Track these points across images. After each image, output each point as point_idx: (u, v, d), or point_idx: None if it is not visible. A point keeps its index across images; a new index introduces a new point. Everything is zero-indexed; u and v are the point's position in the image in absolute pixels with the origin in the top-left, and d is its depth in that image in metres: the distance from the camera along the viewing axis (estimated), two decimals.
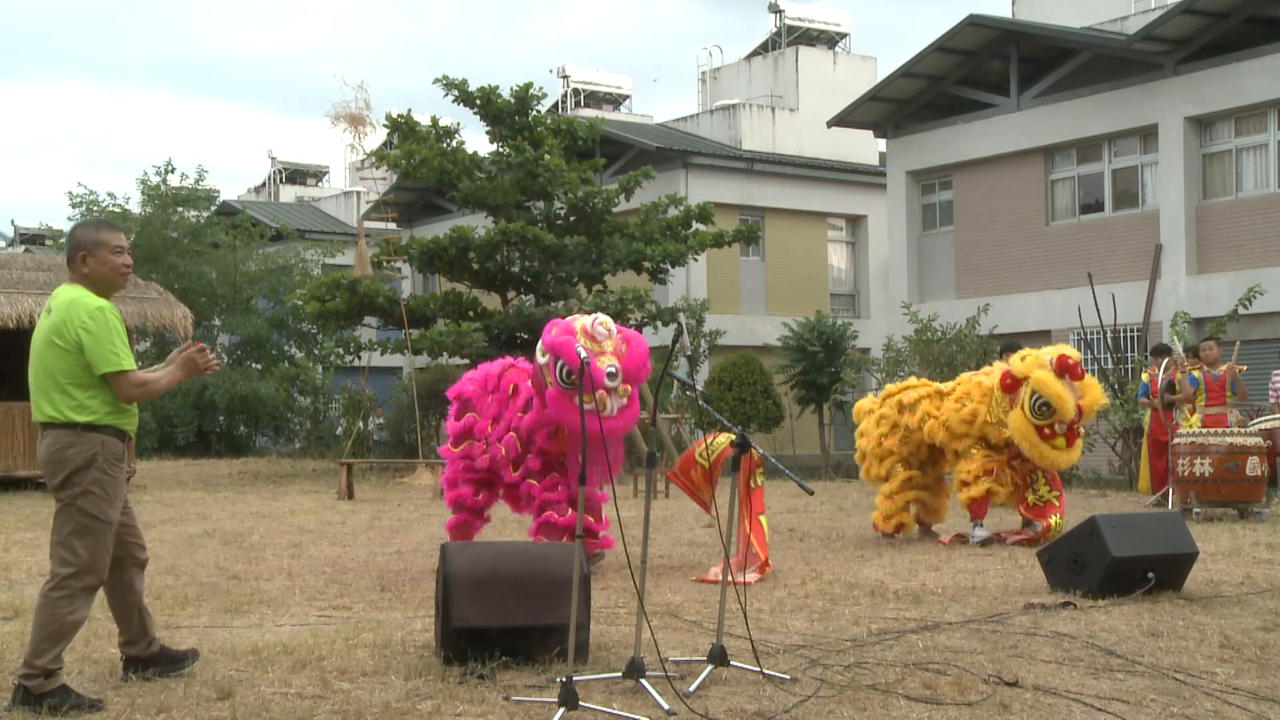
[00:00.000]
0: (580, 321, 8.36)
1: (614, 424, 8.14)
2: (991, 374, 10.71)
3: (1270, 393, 15.68)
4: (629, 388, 8.26)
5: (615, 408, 8.16)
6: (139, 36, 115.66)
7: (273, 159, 51.13)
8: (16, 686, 5.10)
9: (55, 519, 5.27)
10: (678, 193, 24.19)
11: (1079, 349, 21.53)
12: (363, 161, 28.17)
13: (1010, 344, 15.31)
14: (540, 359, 8.36)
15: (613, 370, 8.10)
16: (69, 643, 5.24)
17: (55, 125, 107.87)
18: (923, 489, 11.07)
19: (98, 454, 5.24)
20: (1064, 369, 10.12)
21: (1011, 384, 10.24)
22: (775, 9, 36.11)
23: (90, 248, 5.39)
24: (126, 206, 33.54)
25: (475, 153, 22.96)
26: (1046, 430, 10.07)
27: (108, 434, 5.28)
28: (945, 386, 11.10)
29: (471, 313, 21.94)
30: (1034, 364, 10.16)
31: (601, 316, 8.45)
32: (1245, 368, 14.78)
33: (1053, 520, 10.36)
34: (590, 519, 8.73)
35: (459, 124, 23.42)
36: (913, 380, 11.44)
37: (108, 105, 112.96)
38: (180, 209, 32.98)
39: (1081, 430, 10.53)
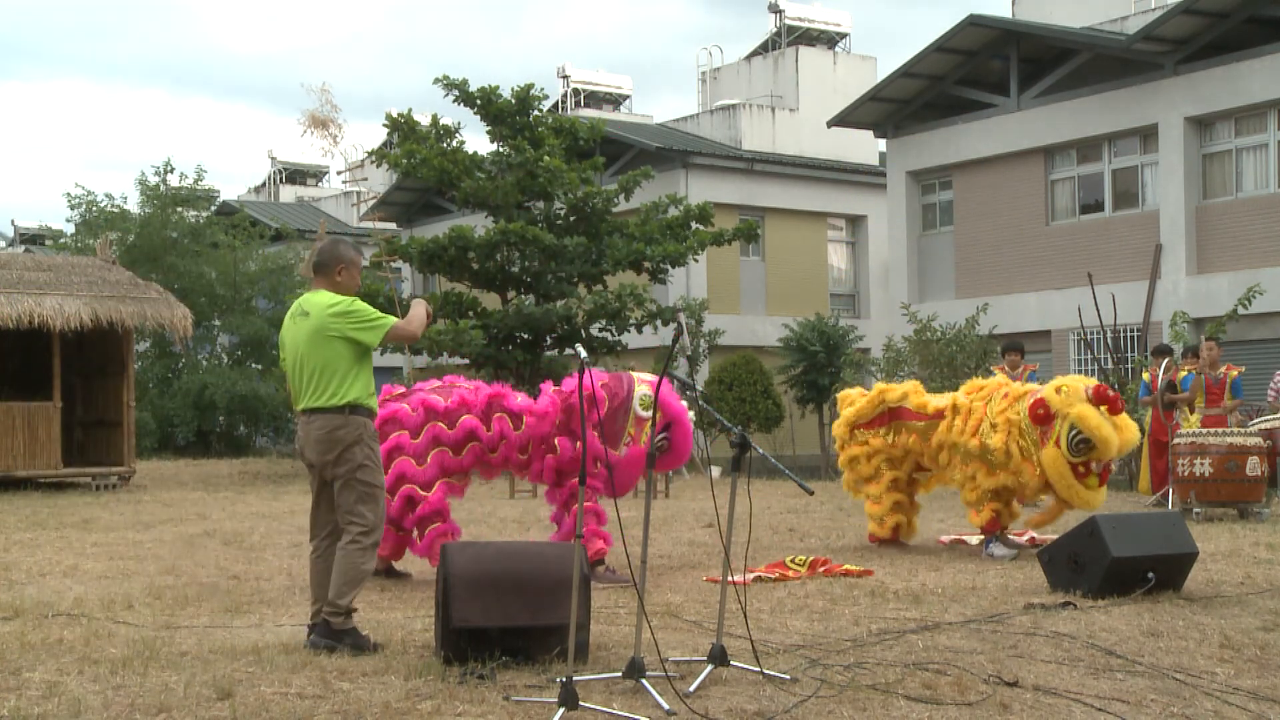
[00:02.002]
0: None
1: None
2: (998, 396, 9.82)
3: (1270, 391, 15.66)
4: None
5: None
6: (133, 35, 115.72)
7: (273, 159, 51.09)
8: (320, 622, 6.14)
9: (339, 493, 6.25)
10: (678, 193, 24.18)
11: (1079, 349, 21.77)
12: (365, 156, 28.09)
13: (1012, 343, 15.30)
14: (642, 407, 8.63)
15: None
16: (362, 588, 6.28)
17: (53, 125, 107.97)
18: (907, 493, 10.63)
19: (363, 432, 6.26)
20: (1101, 400, 9.33)
21: (1045, 415, 9.34)
22: (775, 9, 36.09)
23: (349, 264, 6.41)
24: (125, 206, 33.55)
25: (475, 153, 22.95)
26: (1082, 468, 9.36)
27: (365, 414, 6.29)
28: (943, 401, 10.25)
29: (471, 313, 21.93)
30: (1073, 397, 9.31)
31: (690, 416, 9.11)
32: (1244, 369, 14.78)
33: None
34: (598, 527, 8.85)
35: (459, 124, 23.41)
36: (913, 384, 10.75)
37: (104, 104, 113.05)
38: (180, 209, 32.96)
39: (1113, 468, 9.86)
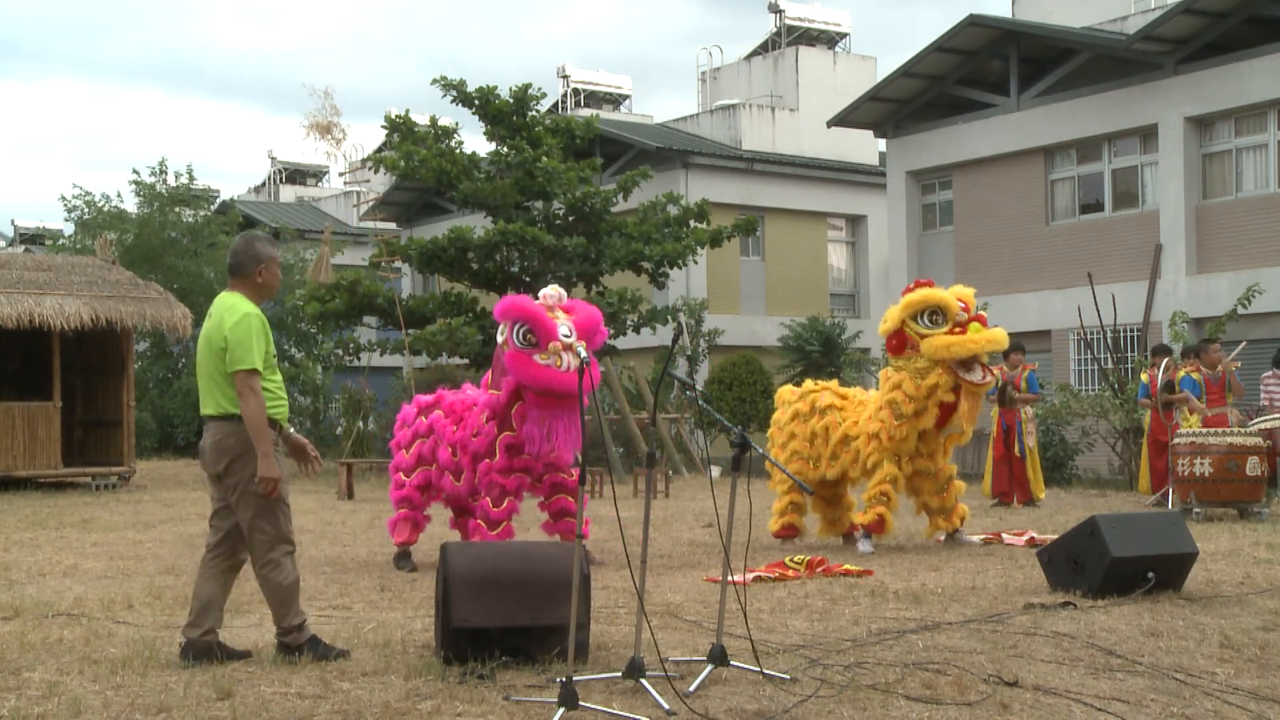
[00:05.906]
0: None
1: (572, 379, 8.41)
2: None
3: (1262, 393, 15.68)
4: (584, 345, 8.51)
5: (570, 364, 8.48)
6: (128, 34, 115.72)
7: (272, 159, 51.08)
8: (278, 644, 6.02)
9: (237, 507, 5.98)
10: (676, 192, 24.17)
11: (1079, 349, 21.76)
12: (362, 162, 28.17)
13: (1013, 344, 15.29)
14: (499, 336, 8.80)
15: (566, 330, 8.63)
16: (299, 600, 6.06)
17: (51, 125, 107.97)
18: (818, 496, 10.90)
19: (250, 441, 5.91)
20: (918, 287, 10.24)
21: (898, 340, 10.16)
22: (775, 9, 36.10)
23: (268, 261, 6.11)
24: (122, 207, 33.53)
25: (474, 153, 22.95)
26: (956, 331, 9.97)
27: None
28: (855, 394, 10.97)
29: (470, 313, 21.93)
30: (898, 312, 10.17)
31: (548, 288, 9.01)
32: (1240, 364, 14.77)
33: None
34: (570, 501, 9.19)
35: (457, 124, 23.41)
36: (833, 384, 11.25)
37: (100, 104, 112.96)
38: (179, 209, 32.95)
39: (975, 310, 10.39)
